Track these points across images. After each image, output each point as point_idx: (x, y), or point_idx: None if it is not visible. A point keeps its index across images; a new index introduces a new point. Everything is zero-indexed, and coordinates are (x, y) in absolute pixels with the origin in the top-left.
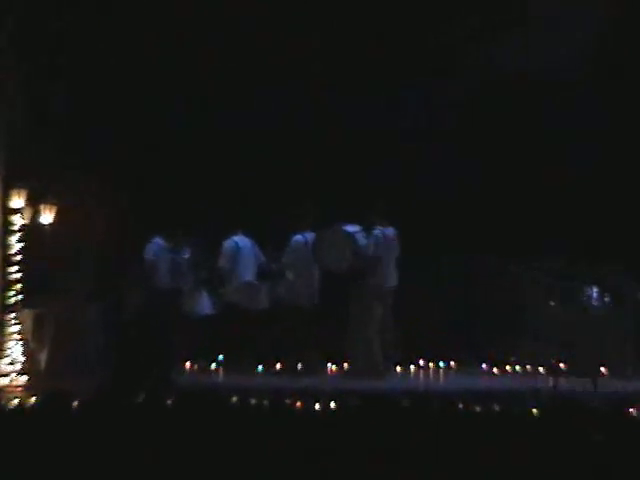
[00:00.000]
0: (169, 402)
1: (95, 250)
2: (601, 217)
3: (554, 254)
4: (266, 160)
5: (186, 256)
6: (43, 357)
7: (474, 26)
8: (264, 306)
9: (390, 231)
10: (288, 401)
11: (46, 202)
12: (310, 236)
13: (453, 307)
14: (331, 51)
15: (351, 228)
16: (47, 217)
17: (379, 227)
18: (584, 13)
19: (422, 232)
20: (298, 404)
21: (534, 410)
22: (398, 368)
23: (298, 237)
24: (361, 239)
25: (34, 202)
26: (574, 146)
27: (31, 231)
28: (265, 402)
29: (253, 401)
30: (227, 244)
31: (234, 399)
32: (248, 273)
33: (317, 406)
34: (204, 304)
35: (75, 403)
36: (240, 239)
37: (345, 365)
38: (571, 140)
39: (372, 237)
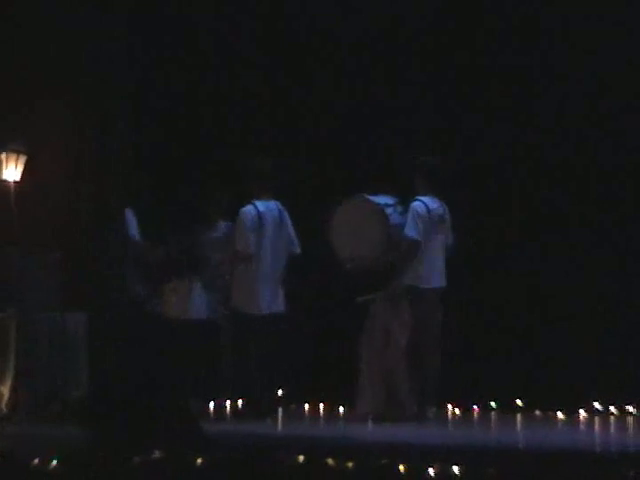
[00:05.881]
0: (199, 461)
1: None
2: None
3: None
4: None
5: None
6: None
7: None
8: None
9: (436, 205)
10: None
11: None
12: (269, 207)
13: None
14: None
15: (379, 199)
16: (13, 171)
17: (421, 198)
18: None
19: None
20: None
21: None
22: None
23: (248, 209)
24: (394, 216)
25: None
26: None
27: None
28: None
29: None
30: None
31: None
32: None
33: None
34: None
35: (53, 462)
36: None
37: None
38: None
39: (411, 212)
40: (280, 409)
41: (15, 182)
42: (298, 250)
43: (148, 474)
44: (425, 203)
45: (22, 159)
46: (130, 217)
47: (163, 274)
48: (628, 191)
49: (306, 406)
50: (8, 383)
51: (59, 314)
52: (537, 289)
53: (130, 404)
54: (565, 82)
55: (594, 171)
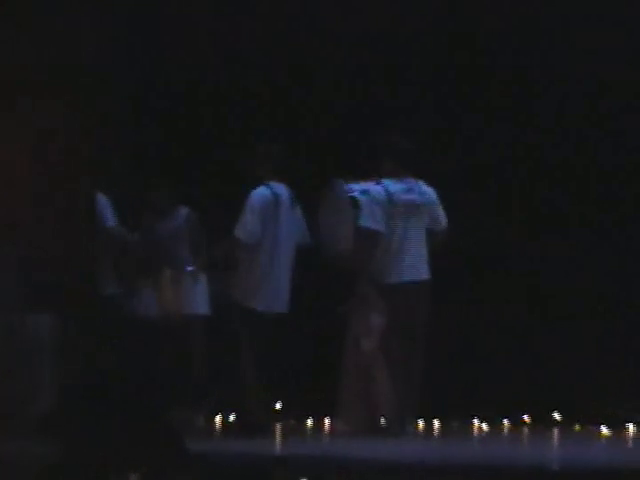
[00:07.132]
0: None
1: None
2: None
3: None
4: None
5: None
6: None
7: None
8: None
9: (402, 188)
10: None
11: None
12: (281, 189)
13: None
14: None
15: (358, 186)
16: None
17: (384, 182)
18: None
19: None
20: None
21: None
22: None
23: (262, 191)
24: (367, 204)
25: None
26: None
27: None
28: None
29: None
30: None
31: None
32: None
33: None
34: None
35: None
36: None
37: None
38: None
39: (367, 199)
40: (279, 424)
41: None
42: (309, 240)
43: None
44: (386, 187)
45: None
46: (104, 203)
47: (145, 265)
48: (628, 191)
49: (308, 421)
50: None
51: (19, 316)
52: (537, 289)
53: (105, 416)
54: (565, 82)
55: (594, 171)
